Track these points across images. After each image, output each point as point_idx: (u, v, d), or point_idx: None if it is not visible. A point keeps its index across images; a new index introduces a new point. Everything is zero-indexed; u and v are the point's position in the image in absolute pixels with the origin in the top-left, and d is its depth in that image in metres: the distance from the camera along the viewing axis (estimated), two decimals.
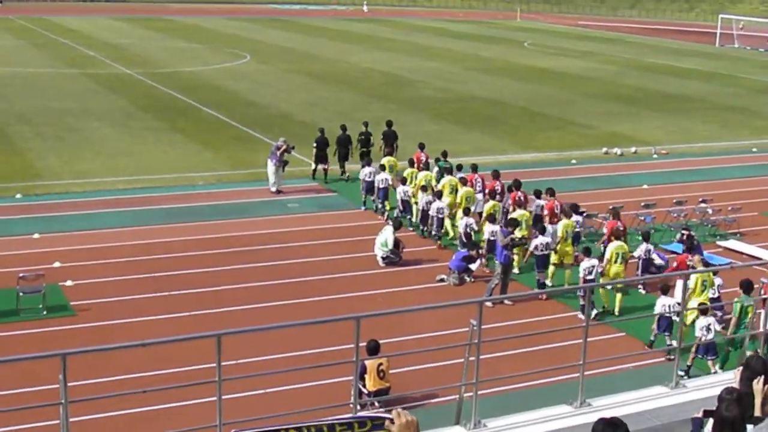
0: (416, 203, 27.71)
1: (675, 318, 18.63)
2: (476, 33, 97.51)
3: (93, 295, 21.45)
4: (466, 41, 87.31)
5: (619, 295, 21.78)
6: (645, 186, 33.77)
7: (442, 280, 23.39)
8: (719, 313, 19.47)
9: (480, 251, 24.03)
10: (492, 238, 23.55)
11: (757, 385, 7.23)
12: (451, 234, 26.49)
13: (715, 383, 12.25)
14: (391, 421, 4.69)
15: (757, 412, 7.25)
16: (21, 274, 20.67)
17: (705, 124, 48.05)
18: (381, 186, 28.89)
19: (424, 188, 27.12)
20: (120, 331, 19.40)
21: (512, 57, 75.17)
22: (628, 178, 35.05)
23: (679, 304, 17.40)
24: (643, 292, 23.08)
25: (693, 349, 18.08)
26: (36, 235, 25.65)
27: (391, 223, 25.20)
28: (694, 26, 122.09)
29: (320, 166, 32.73)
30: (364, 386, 15.98)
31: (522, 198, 25.93)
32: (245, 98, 49.51)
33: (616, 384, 14.55)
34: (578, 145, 41.02)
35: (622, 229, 23.77)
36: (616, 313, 21.52)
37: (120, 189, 30.81)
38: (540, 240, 22.92)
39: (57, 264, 23.26)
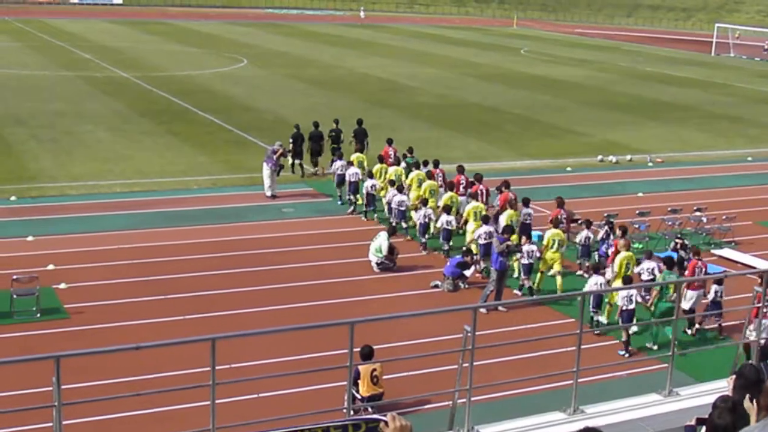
0: (384, 197, 28.77)
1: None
2: (473, 40, 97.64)
3: (87, 298, 21.43)
4: (463, 48, 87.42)
5: (559, 279, 23.09)
6: (640, 194, 33.80)
7: (436, 286, 23.40)
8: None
9: (474, 258, 24.04)
10: (484, 242, 24.00)
11: (748, 403, 7.24)
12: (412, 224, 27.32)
13: (708, 391, 12.26)
14: (386, 423, 4.69)
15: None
16: (15, 277, 20.68)
17: (700, 133, 48.14)
18: (351, 180, 29.71)
19: (392, 182, 28.22)
20: (114, 334, 19.38)
21: (508, 64, 75.29)
22: (623, 186, 35.09)
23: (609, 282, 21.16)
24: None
25: (617, 316, 20.04)
26: (30, 238, 25.62)
27: (385, 229, 25.27)
28: (690, 35, 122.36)
29: (296, 161, 33.70)
30: (358, 391, 15.97)
31: (513, 199, 26.28)
32: (242, 102, 49.54)
33: (609, 391, 14.57)
34: (574, 152, 41.06)
35: (564, 217, 25.40)
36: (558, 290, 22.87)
37: (115, 192, 30.80)
38: (527, 248, 23.12)
39: (51, 267, 23.23)
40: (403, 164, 30.48)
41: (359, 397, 15.96)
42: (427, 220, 26.04)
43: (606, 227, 25.06)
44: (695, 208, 29.71)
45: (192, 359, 16.26)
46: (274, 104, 48.57)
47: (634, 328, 20.42)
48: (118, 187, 31.37)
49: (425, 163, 29.92)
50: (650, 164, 39.56)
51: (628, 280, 20.47)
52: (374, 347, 16.47)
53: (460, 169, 28.89)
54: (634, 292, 19.82)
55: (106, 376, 16.88)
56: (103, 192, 30.77)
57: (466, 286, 23.45)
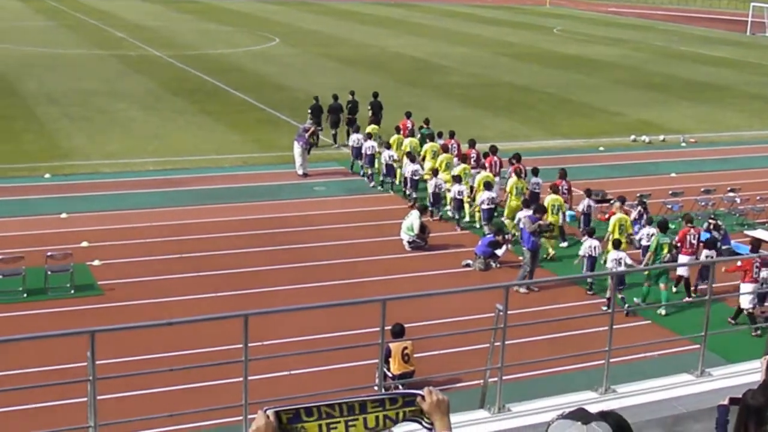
0: (400, 168, 29.59)
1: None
2: (505, 18, 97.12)
3: (120, 275, 21.59)
4: (495, 26, 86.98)
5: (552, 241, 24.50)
6: (673, 174, 33.56)
7: (468, 265, 23.38)
8: None
9: (506, 236, 23.99)
10: (487, 207, 25.43)
11: None
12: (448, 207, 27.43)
13: (740, 372, 12.21)
14: (423, 398, 4.69)
15: None
16: (49, 253, 20.84)
17: (735, 113, 47.70)
18: (368, 152, 30.44)
19: (409, 154, 28.85)
20: (146, 310, 19.52)
21: (541, 43, 74.84)
22: (656, 166, 34.86)
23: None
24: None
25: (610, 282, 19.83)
26: (64, 215, 25.83)
27: (417, 207, 25.27)
28: (725, 14, 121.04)
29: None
30: (389, 369, 16.01)
31: (521, 170, 27.04)
32: (274, 81, 49.59)
33: (641, 371, 14.53)
34: (606, 132, 40.82)
35: (566, 188, 26.51)
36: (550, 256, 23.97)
37: (148, 170, 30.98)
38: (486, 195, 25.09)
39: (84, 243, 23.41)
40: (417, 135, 31.81)
41: (390, 375, 15.99)
42: (438, 189, 26.86)
43: (639, 207, 24.94)
44: (729, 188, 29.47)
45: (224, 336, 16.37)
46: (305, 83, 48.53)
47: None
48: (151, 165, 31.53)
49: (440, 135, 31.10)
50: (683, 144, 39.27)
51: (618, 244, 21.38)
52: (405, 325, 16.50)
53: (472, 143, 29.64)
54: (623, 254, 20.90)
55: (140, 352, 17.03)
56: (136, 170, 30.95)
57: (498, 265, 23.43)
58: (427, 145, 29.86)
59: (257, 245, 24.15)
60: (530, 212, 23.10)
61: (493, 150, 28.71)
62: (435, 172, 27.37)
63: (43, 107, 39.96)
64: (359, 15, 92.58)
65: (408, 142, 30.32)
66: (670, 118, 44.61)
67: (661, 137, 39.83)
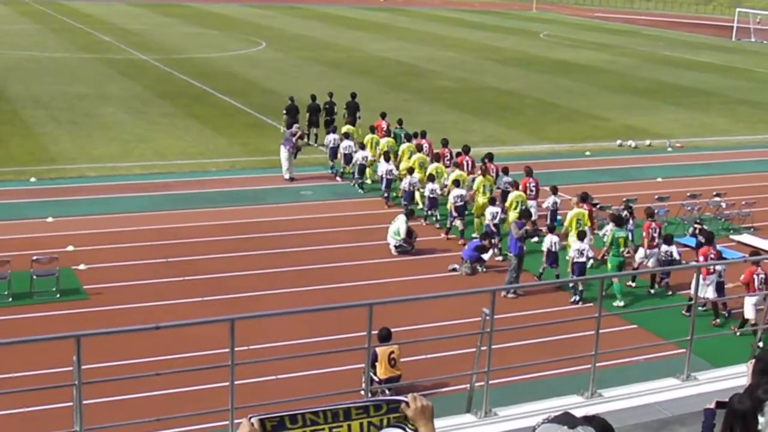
0: (372, 167, 30.62)
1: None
2: (492, 23, 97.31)
3: (106, 279, 21.54)
4: (482, 31, 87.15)
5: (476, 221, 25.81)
6: (659, 179, 33.67)
7: (454, 270, 23.41)
8: None
9: (493, 241, 24.03)
10: (458, 204, 25.88)
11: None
12: (420, 205, 27.99)
13: (726, 376, 12.24)
14: (407, 404, 4.70)
15: None
16: (35, 257, 20.78)
17: (720, 118, 47.88)
18: (345, 152, 31.09)
19: (385, 155, 29.29)
20: (133, 315, 19.47)
21: (528, 48, 75.02)
22: (642, 171, 34.95)
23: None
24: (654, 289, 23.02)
25: (569, 269, 21.94)
26: (50, 219, 25.76)
27: (404, 212, 25.32)
28: (710, 20, 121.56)
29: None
30: (375, 374, 16.01)
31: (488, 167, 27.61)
32: (260, 85, 49.57)
33: (627, 375, 14.57)
34: (592, 137, 40.94)
35: (534, 185, 27.07)
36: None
37: (134, 174, 30.91)
38: (456, 192, 25.71)
39: (70, 248, 23.34)
40: (385, 125, 32.86)
41: (377, 379, 15.99)
42: (413, 188, 27.50)
43: (625, 212, 25.01)
44: (714, 193, 29.57)
45: (211, 340, 16.36)
46: (292, 87, 48.34)
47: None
48: (137, 169, 31.47)
49: (414, 135, 31.69)
50: (669, 149, 39.40)
51: (582, 235, 22.60)
52: (392, 330, 16.50)
53: (445, 143, 30.33)
54: (586, 246, 21.99)
55: (126, 356, 16.98)
56: (122, 174, 30.89)
57: (484, 269, 23.47)
58: (405, 146, 30.49)
59: (244, 249, 24.11)
60: (497, 209, 24.59)
61: (466, 150, 29.37)
62: (410, 171, 27.84)
63: (29, 111, 39.84)
64: (346, 19, 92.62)
65: (384, 142, 30.80)
66: (656, 123, 44.76)
67: (647, 142, 39.95)
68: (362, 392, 13.75)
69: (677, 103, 51.54)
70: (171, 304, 20.34)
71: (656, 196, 28.87)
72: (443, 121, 40.65)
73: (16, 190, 28.49)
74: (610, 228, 23.19)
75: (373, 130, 32.14)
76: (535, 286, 22.41)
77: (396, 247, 24.46)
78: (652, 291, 22.69)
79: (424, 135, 31.43)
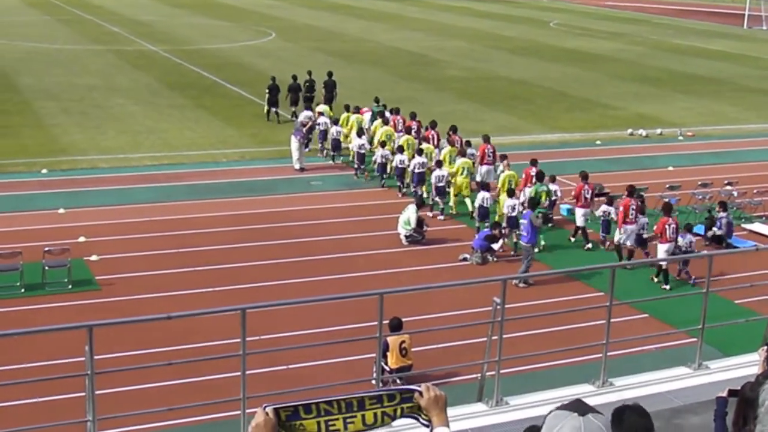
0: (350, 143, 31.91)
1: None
2: (501, 12, 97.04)
3: (117, 270, 21.60)
4: (491, 20, 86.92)
5: (468, 201, 26.79)
6: (670, 168, 33.58)
7: (465, 259, 23.41)
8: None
9: (503, 230, 24.01)
10: (401, 166, 28.56)
11: None
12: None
13: (738, 365, 12.24)
14: (420, 394, 4.71)
15: None
16: (46, 248, 20.84)
17: (732, 107, 47.70)
18: (321, 129, 32.82)
19: (359, 131, 31.03)
20: (144, 305, 19.53)
21: (537, 37, 74.79)
22: (654, 160, 34.87)
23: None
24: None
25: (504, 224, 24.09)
26: (61, 210, 25.82)
27: (414, 201, 25.35)
28: (722, 8, 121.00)
29: (273, 109, 38.07)
30: (387, 363, 16.02)
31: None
32: (270, 76, 49.43)
33: (638, 364, 14.54)
34: (603, 126, 40.85)
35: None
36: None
37: (145, 165, 30.97)
38: (438, 172, 26.82)
39: (82, 239, 23.40)
40: (370, 112, 34.51)
41: (388, 369, 16.01)
42: (384, 160, 29.26)
43: (636, 200, 24.97)
44: (726, 182, 29.50)
45: (222, 330, 16.40)
46: (302, 77, 48.42)
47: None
48: (148, 160, 31.52)
49: (391, 111, 33.60)
50: (681, 138, 39.28)
51: (511, 192, 24.72)
52: (403, 319, 16.51)
53: (413, 115, 32.65)
54: (516, 202, 24.36)
55: (138, 347, 17.04)
56: (133, 165, 30.95)
57: (495, 259, 23.47)
58: (377, 121, 32.29)
59: (254, 240, 24.15)
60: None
61: (433, 124, 31.38)
62: (383, 144, 29.75)
63: (40, 102, 39.93)
64: (355, 9, 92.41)
65: (354, 119, 32.49)
66: (667, 112, 44.63)
67: (659, 131, 39.85)
68: (373, 382, 13.78)
69: (688, 91, 51.37)
70: (182, 294, 20.39)
71: (667, 185, 28.78)
72: (454, 111, 40.59)
73: (27, 181, 28.58)
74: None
75: (347, 108, 33.70)
76: (546, 275, 22.39)
77: (406, 236, 24.45)
78: (656, 280, 22.58)
79: (397, 112, 33.08)
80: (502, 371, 11.50)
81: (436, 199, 27.04)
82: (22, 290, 20.10)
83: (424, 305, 19.26)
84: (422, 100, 42.43)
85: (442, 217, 26.73)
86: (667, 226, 22.43)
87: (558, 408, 4.16)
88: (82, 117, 37.48)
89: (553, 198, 26.22)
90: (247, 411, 10.22)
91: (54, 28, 67.23)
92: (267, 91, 37.97)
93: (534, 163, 27.09)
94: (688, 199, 28.18)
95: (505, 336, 11.50)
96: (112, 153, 32.13)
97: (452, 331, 17.22)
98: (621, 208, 23.59)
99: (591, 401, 4.27)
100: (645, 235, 23.52)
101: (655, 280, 22.57)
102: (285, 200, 27.84)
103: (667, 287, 22.15)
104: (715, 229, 24.66)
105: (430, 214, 26.47)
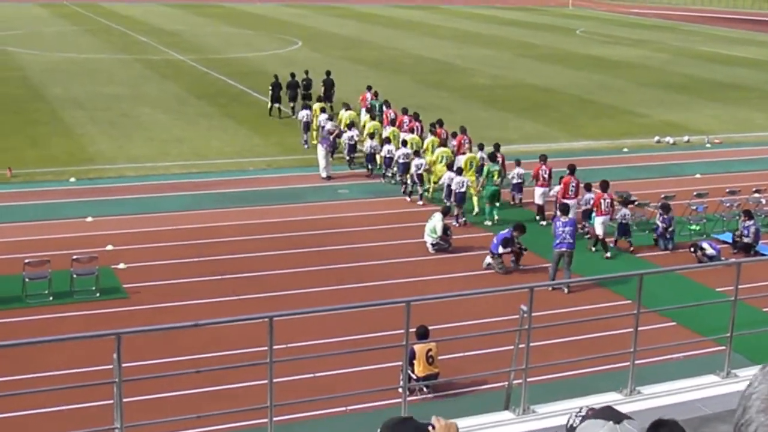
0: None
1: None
2: (527, 20, 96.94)
3: (145, 278, 21.70)
4: (517, 28, 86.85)
5: (475, 199, 27.99)
6: (698, 175, 33.39)
7: (489, 266, 23.34)
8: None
9: (522, 249, 23.80)
10: (388, 156, 30.68)
11: None
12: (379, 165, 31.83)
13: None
14: (432, 427, 4.71)
15: None
16: (74, 257, 20.97)
17: (759, 113, 47.39)
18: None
19: (351, 124, 33.26)
20: (172, 313, 19.61)
21: (564, 44, 74.64)
22: (681, 167, 34.71)
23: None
24: None
25: (453, 200, 26.40)
26: (89, 219, 25.99)
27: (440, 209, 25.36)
28: (748, 14, 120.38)
29: (275, 105, 40.39)
30: (413, 371, 16.01)
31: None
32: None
33: (666, 373, 14.46)
34: (630, 133, 40.70)
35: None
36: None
37: (172, 174, 31.12)
38: (457, 179, 27.06)
39: (110, 247, 23.54)
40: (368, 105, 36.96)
41: (414, 377, 16.00)
42: (373, 150, 31.71)
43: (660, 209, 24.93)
44: (754, 189, 29.31)
45: (249, 338, 16.45)
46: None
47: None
48: (176, 169, 31.68)
49: (387, 105, 35.67)
50: (708, 145, 39.07)
51: (459, 171, 26.93)
52: (430, 327, 16.50)
53: (404, 111, 34.49)
54: (466, 179, 26.84)
55: (165, 354, 17.12)
56: (161, 173, 31.10)
57: (519, 265, 23.37)
58: (365, 117, 34.74)
59: (281, 248, 24.21)
60: (453, 174, 26.96)
61: (416, 115, 33.78)
62: (371, 136, 32.02)
63: (68, 112, 40.21)
64: (380, 17, 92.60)
65: (348, 115, 34.44)
66: (694, 119, 44.41)
67: (686, 138, 39.65)
68: (400, 390, 13.77)
69: (715, 98, 51.10)
70: (210, 302, 20.46)
71: (695, 193, 28.60)
72: (479, 119, 40.55)
73: (56, 190, 28.78)
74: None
75: (347, 107, 35.33)
76: (574, 283, 22.31)
77: (433, 245, 24.44)
78: (608, 256, 24.46)
79: (388, 106, 35.43)
80: (529, 379, 11.46)
81: (417, 187, 28.84)
82: (51, 298, 20.23)
83: (450, 313, 19.25)
84: (450, 108, 42.42)
85: (421, 202, 28.58)
86: (602, 200, 24.72)
87: (588, 417, 4.13)
88: (110, 126, 37.72)
89: (519, 181, 28.50)
90: (274, 419, 10.25)
91: (83, 38, 67.71)
92: (270, 88, 40.66)
93: (519, 161, 28.89)
94: (715, 207, 28.01)
95: (532, 344, 11.47)
96: (139, 162, 32.31)
97: (479, 339, 17.18)
98: (561, 185, 25.97)
99: (620, 410, 4.25)
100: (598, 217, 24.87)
101: (594, 249, 24.87)
102: (312, 208, 27.88)
103: (608, 254, 24.46)
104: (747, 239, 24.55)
105: (455, 223, 26.45)
